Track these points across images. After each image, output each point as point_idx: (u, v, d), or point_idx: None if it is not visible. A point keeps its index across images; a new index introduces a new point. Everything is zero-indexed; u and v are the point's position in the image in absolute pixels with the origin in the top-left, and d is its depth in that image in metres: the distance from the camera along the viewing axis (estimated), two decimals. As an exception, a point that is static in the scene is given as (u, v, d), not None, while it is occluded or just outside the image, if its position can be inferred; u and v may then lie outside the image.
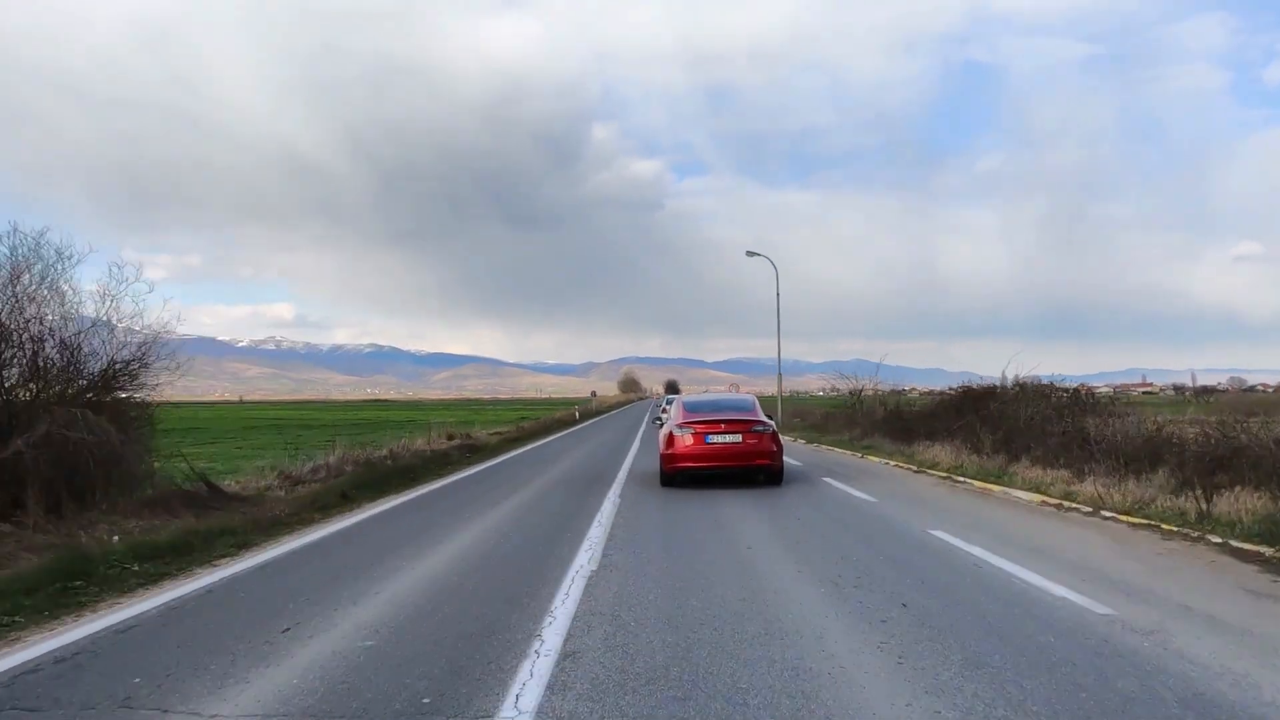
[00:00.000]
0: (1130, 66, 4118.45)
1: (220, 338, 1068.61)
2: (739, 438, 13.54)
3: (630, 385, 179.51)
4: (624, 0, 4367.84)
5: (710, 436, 13.53)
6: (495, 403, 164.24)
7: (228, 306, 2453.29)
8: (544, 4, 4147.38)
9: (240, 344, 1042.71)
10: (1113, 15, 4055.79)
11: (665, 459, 13.89)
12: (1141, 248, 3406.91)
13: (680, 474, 13.72)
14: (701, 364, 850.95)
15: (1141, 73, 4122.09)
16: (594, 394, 78.51)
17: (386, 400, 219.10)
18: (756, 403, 15.54)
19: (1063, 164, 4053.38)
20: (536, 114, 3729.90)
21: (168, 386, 11.74)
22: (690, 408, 14.88)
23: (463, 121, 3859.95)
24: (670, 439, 13.87)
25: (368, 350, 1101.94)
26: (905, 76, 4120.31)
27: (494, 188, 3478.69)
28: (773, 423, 14.52)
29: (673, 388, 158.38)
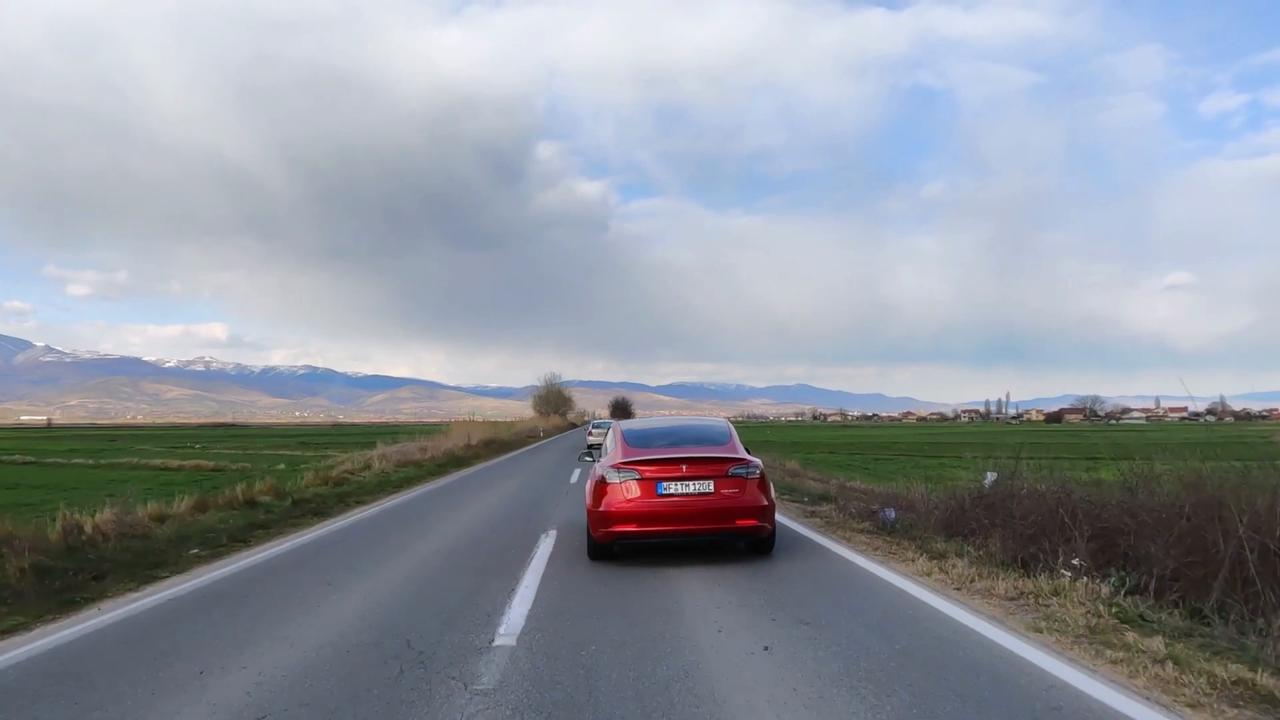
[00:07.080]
0: (1074, 95, 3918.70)
1: (147, 358, 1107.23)
2: (709, 486, 8.81)
3: (554, 403, 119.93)
4: (574, 17, 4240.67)
5: (665, 485, 8.81)
6: (394, 427, 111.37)
7: (158, 326, 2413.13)
8: (490, 18, 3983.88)
9: (167, 364, 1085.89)
10: (1057, 43, 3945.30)
11: (595, 519, 9.10)
12: (1082, 275, 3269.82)
13: (618, 541, 9.03)
14: (646, 388, 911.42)
15: (1084, 102, 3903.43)
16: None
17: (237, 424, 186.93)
18: (733, 431, 10.20)
19: (1009, 191, 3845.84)
20: (481, 130, 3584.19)
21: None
22: (634, 439, 9.84)
23: (405, 136, 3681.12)
24: (601, 489, 9.08)
25: (301, 372, 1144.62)
26: (855, 100, 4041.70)
27: (437, 205, 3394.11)
28: (758, 461, 9.42)
29: (622, 408, 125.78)
